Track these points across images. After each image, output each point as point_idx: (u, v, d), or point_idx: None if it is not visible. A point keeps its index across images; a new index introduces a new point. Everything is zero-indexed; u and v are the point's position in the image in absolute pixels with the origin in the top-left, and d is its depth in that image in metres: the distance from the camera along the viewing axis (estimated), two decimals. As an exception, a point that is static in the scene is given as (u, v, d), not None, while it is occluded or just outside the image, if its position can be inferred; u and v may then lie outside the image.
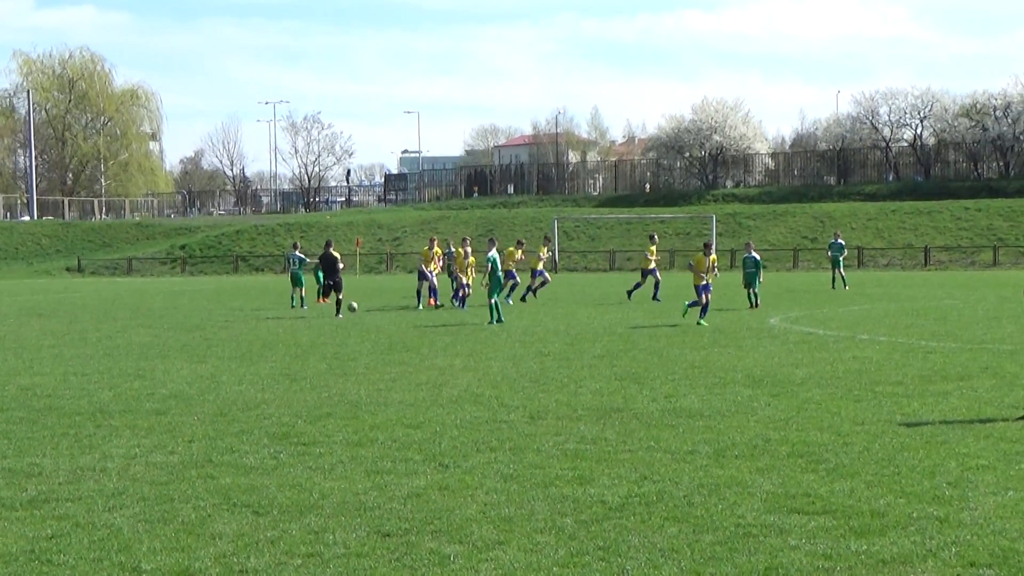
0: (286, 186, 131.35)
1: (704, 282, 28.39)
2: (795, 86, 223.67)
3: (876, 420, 13.67)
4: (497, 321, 28.67)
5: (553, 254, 63.22)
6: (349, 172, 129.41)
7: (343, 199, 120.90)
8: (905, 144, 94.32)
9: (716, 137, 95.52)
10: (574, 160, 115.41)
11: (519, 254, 37.94)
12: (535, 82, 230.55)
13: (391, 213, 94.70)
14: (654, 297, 36.56)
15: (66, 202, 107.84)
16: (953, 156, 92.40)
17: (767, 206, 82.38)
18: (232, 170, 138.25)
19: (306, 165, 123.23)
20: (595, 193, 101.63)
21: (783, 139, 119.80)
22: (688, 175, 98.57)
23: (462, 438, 12.88)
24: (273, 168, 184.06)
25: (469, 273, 34.67)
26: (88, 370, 20.00)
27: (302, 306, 36.91)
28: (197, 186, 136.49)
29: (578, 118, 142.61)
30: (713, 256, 29.84)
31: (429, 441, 12.74)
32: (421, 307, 35.29)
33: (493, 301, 29.13)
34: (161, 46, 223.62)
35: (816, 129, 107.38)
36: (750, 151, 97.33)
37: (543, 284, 39.55)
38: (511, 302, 35.50)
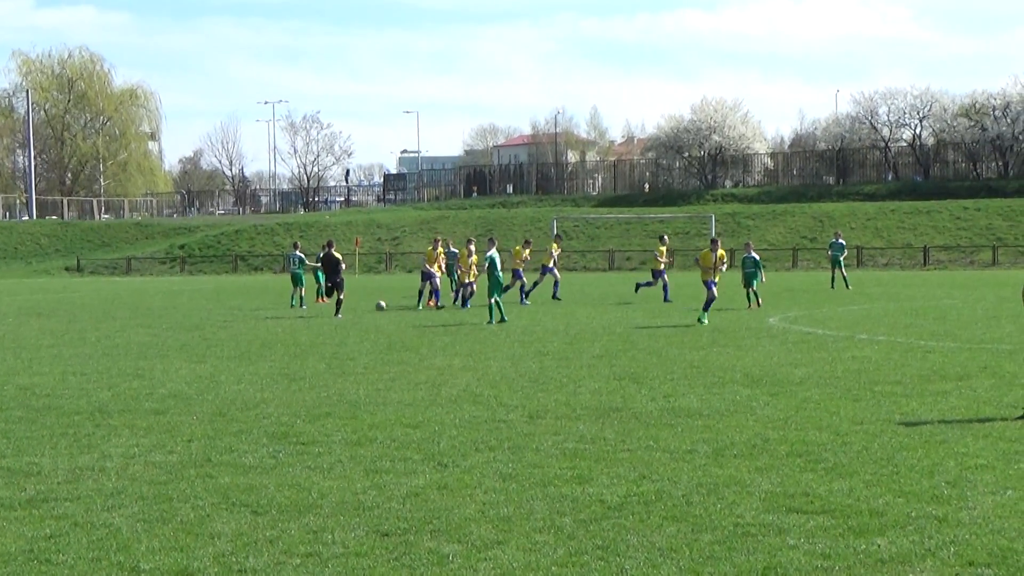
0: (285, 186, 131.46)
1: (711, 278, 28.53)
2: (794, 86, 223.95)
3: (875, 419, 13.67)
4: (500, 321, 28.65)
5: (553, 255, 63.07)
6: (348, 172, 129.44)
7: (342, 199, 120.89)
8: (904, 144, 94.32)
9: (715, 137, 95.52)
10: (573, 160, 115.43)
11: (526, 253, 37.86)
12: (534, 82, 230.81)
13: (390, 213, 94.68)
14: (665, 299, 36.39)
15: (65, 202, 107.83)
16: (952, 156, 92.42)
17: (766, 206, 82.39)
18: (231, 170, 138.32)
19: (305, 165, 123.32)
20: (594, 193, 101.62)
21: (782, 139, 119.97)
22: (687, 175, 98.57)
23: (461, 437, 12.88)
24: (272, 168, 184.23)
25: (472, 273, 34.67)
26: (87, 369, 20.00)
27: (301, 306, 36.90)
28: (196, 186, 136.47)
29: (577, 118, 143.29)
30: (721, 252, 29.90)
31: (428, 440, 12.73)
32: (421, 307, 35.28)
33: (492, 301, 29.12)
34: (160, 46, 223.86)
35: (815, 129, 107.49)
36: (749, 151, 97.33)
37: (555, 283, 39.57)
38: (528, 303, 35.37)
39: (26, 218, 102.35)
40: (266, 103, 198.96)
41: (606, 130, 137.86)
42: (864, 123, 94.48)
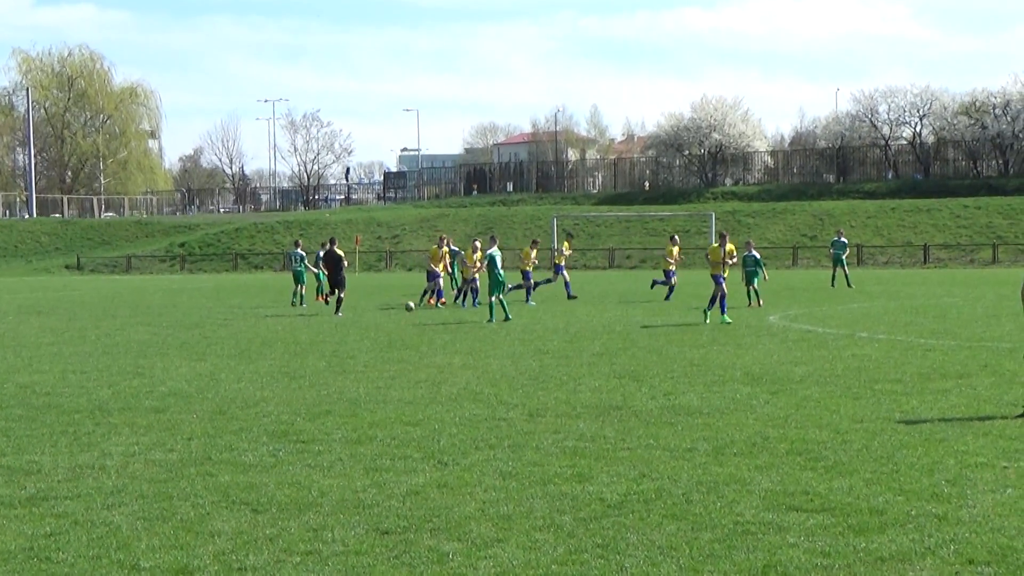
0: (285, 184, 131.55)
1: (719, 272, 28.51)
2: (794, 84, 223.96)
3: (875, 418, 13.67)
4: (504, 319, 28.59)
5: (554, 253, 63.10)
6: (348, 170, 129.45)
7: (342, 197, 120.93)
8: (904, 142, 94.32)
9: (715, 135, 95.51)
10: (573, 158, 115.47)
11: (534, 253, 37.83)
12: (534, 80, 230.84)
13: (390, 211, 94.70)
14: (666, 298, 36.36)
15: (65, 200, 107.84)
16: (952, 154, 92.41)
17: (766, 204, 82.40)
18: (231, 168, 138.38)
19: (305, 163, 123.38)
20: (594, 191, 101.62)
21: (782, 137, 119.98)
22: (687, 173, 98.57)
23: (461, 436, 12.88)
24: (272, 166, 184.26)
25: (475, 269, 34.58)
26: (87, 368, 20.00)
27: (301, 304, 36.89)
28: (196, 184, 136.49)
29: (577, 116, 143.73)
30: (730, 247, 29.91)
31: (428, 439, 12.73)
32: (422, 304, 35.11)
33: (492, 299, 29.11)
34: (160, 44, 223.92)
35: (815, 127, 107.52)
36: (749, 149, 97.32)
37: (548, 282, 39.58)
38: (533, 303, 35.27)
39: (26, 216, 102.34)
40: (266, 101, 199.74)
41: (606, 128, 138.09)
42: (864, 121, 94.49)
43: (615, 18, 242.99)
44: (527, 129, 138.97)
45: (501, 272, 29.28)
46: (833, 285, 42.60)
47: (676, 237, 40.23)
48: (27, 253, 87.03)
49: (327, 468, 11.26)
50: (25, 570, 8.12)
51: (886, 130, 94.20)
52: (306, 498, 10.02)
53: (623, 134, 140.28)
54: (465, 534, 8.81)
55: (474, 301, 34.57)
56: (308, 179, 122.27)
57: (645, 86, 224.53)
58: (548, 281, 39.88)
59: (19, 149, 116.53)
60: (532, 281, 36.61)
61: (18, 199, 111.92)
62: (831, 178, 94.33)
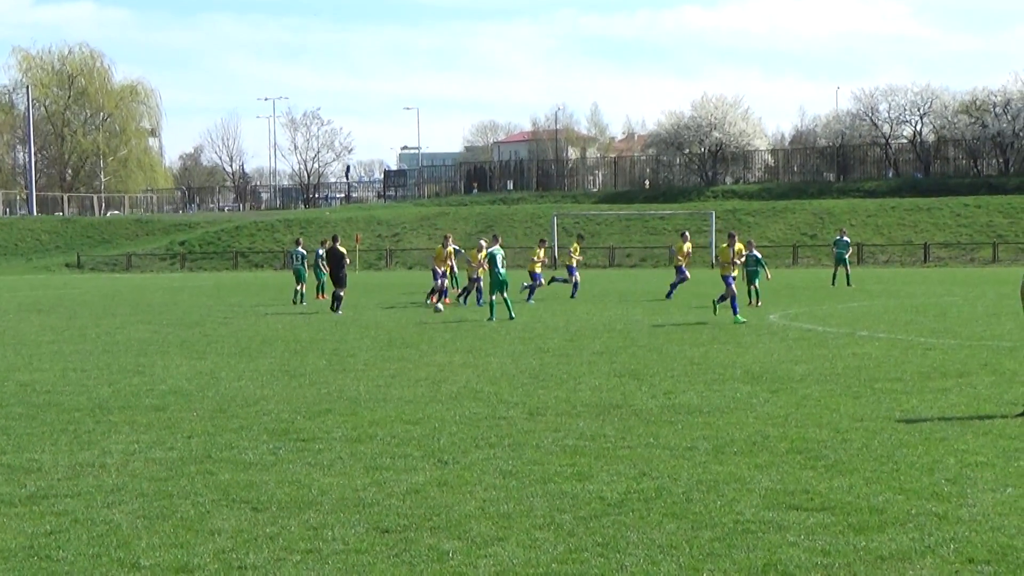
0: (285, 182, 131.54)
1: (728, 272, 28.44)
2: (795, 83, 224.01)
3: (875, 416, 13.67)
4: (508, 319, 28.49)
5: (553, 252, 63.23)
6: (348, 168, 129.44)
7: (342, 195, 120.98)
8: (905, 141, 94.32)
9: (716, 134, 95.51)
10: (573, 156, 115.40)
11: (542, 253, 37.74)
12: (535, 78, 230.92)
13: (390, 209, 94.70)
14: (668, 295, 36.33)
15: (65, 198, 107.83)
16: (953, 153, 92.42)
17: (767, 203, 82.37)
18: (231, 166, 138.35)
19: (305, 161, 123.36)
20: (594, 189, 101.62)
21: (783, 136, 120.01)
22: (688, 171, 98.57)
23: (461, 434, 12.88)
24: (272, 164, 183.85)
25: (479, 269, 34.51)
26: (87, 366, 20.00)
27: (301, 302, 36.88)
28: (196, 182, 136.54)
29: (578, 114, 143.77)
30: (738, 246, 29.89)
31: (428, 437, 12.73)
32: (440, 306, 34.87)
33: (493, 298, 29.09)
34: (160, 42, 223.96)
35: (816, 126, 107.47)
36: (750, 148, 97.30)
37: (564, 281, 39.53)
38: (532, 302, 35.23)
39: (27, 214, 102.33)
40: (266, 99, 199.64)
41: (606, 127, 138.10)
42: (865, 120, 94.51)
43: (615, 16, 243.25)
44: (527, 127, 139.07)
45: (501, 271, 29.23)
46: (834, 284, 42.60)
47: (687, 234, 40.11)
48: (27, 251, 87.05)
49: (327, 466, 11.26)
50: (25, 568, 8.12)
51: (886, 129, 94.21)
52: (306, 496, 10.02)
53: (623, 132, 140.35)
54: (465, 532, 8.81)
55: (478, 300, 34.52)
56: (308, 177, 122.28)
57: (645, 84, 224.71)
58: (564, 280, 39.68)
59: (19, 147, 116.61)
60: (540, 281, 36.62)
61: (18, 197, 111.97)
62: (831, 177, 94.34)
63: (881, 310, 31.09)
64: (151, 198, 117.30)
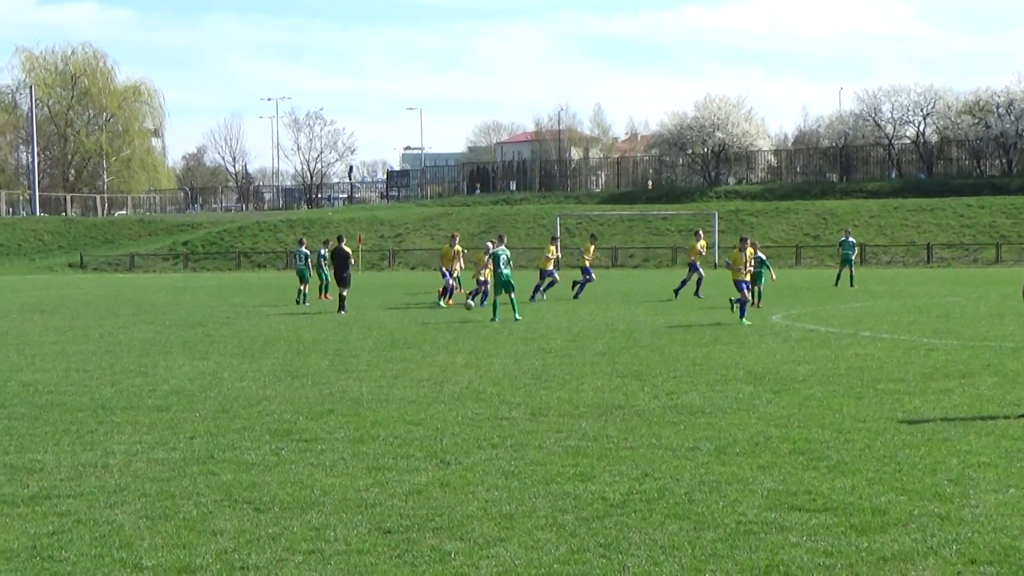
0: (288, 182, 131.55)
1: (741, 277, 28.16)
2: (797, 83, 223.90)
3: (878, 417, 13.66)
4: (514, 320, 28.42)
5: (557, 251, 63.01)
6: (351, 168, 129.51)
7: (345, 195, 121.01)
8: (908, 141, 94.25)
9: (719, 134, 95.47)
10: (576, 157, 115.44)
11: (555, 250, 37.59)
12: (537, 79, 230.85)
13: (393, 210, 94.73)
14: (675, 293, 36.29)
15: (68, 198, 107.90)
16: (956, 153, 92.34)
17: (769, 203, 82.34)
18: (234, 166, 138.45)
19: (308, 161, 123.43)
20: (597, 190, 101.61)
21: (786, 136, 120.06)
22: (691, 172, 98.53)
23: (464, 435, 12.88)
24: (275, 164, 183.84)
25: (486, 272, 34.46)
26: (90, 366, 20.01)
27: (304, 302, 36.89)
28: (199, 182, 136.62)
29: (581, 115, 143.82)
30: (750, 251, 29.78)
31: (431, 438, 12.73)
32: (441, 303, 34.83)
33: (496, 298, 29.07)
34: (163, 42, 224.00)
35: (819, 126, 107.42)
36: (752, 148, 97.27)
37: (587, 281, 39.48)
38: (544, 297, 35.13)
39: (30, 214, 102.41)
40: (269, 100, 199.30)
41: (609, 127, 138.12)
42: (868, 120, 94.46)
43: (618, 16, 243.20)
44: (530, 128, 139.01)
45: (504, 271, 29.21)
46: (837, 284, 42.57)
47: (700, 232, 40.15)
48: (30, 251, 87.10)
49: (329, 467, 11.27)
50: (27, 569, 8.13)
51: (889, 129, 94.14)
52: (308, 497, 10.02)
53: (626, 133, 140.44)
54: (467, 533, 8.81)
55: (482, 301, 34.54)
56: (311, 177, 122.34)
57: (648, 85, 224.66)
58: (587, 282, 39.46)
59: (22, 147, 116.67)
60: (557, 277, 36.60)
61: (21, 197, 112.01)
62: (834, 177, 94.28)
63: (884, 311, 31.07)
64: (154, 198, 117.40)
